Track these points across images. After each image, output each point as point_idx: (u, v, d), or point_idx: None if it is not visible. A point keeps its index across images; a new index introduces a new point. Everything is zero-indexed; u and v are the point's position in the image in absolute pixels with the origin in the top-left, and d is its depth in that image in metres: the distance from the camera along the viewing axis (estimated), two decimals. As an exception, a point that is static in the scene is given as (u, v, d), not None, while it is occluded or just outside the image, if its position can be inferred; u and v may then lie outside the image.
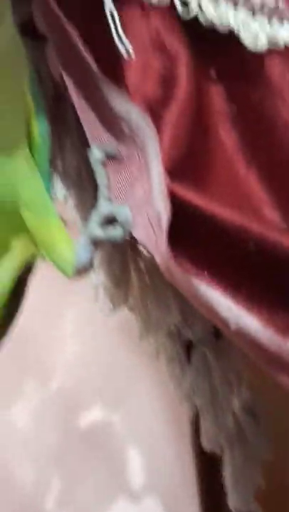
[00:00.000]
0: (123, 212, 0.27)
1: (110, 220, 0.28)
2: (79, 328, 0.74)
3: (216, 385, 0.52)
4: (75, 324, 0.74)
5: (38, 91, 0.29)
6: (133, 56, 0.28)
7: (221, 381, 0.52)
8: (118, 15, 0.29)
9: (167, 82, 0.29)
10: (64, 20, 0.29)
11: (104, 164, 0.28)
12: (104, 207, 0.28)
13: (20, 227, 0.29)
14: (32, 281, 0.34)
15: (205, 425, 0.52)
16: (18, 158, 0.28)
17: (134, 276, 0.49)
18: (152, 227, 0.25)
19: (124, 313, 0.72)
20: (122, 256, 0.48)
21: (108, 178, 0.28)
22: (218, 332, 0.53)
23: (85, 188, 0.45)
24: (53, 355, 0.74)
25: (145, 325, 0.50)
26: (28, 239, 0.29)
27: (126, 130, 0.27)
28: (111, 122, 0.28)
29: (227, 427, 0.51)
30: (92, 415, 0.74)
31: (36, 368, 0.78)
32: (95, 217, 0.28)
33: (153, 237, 0.25)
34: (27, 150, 0.28)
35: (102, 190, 0.28)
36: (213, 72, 0.31)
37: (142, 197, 0.26)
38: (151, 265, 0.51)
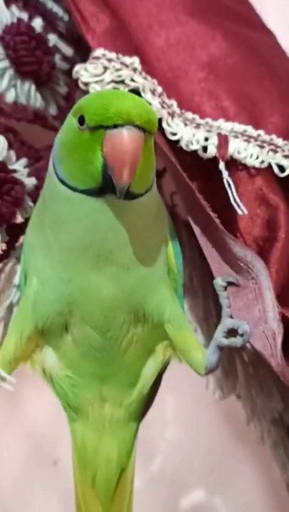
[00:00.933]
0: (243, 326, 0.36)
1: (232, 332, 0.37)
2: (178, 413, 0.75)
3: None
4: (174, 408, 0.75)
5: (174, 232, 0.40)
6: (246, 212, 0.38)
7: None
8: (231, 179, 0.39)
9: (271, 227, 0.38)
10: (190, 182, 0.40)
11: (225, 289, 0.38)
12: (227, 322, 0.37)
13: (163, 335, 0.38)
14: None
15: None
16: (164, 286, 0.38)
17: (239, 367, 0.57)
18: (267, 339, 0.34)
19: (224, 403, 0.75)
20: (228, 351, 0.56)
21: (229, 300, 0.38)
22: None
23: (197, 293, 0.54)
24: (154, 439, 0.73)
25: (251, 411, 0.57)
26: (167, 345, 0.39)
27: (243, 266, 0.36)
28: (230, 259, 0.38)
29: None
30: (194, 498, 0.74)
31: (138, 451, 0.82)
32: (221, 330, 0.37)
33: (268, 347, 0.33)
34: (168, 279, 0.38)
35: (225, 309, 0.38)
36: None
37: (258, 316, 0.35)
38: (254, 357, 0.58)
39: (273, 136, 0.41)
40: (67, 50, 0.49)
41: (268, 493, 0.74)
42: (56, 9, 0.50)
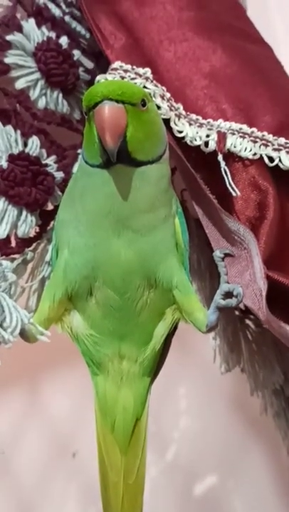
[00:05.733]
0: (237, 289, 0.43)
1: (229, 294, 0.44)
2: (191, 403, 0.78)
3: None
4: (187, 399, 0.78)
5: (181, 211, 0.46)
6: (239, 194, 0.45)
7: None
8: (228, 169, 0.47)
9: (261, 207, 0.46)
10: (193, 171, 0.47)
11: (223, 260, 0.45)
12: (224, 286, 0.44)
13: (171, 300, 0.45)
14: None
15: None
16: (173, 257, 0.44)
17: (244, 344, 0.63)
18: (256, 296, 0.41)
19: (235, 388, 0.80)
20: (233, 327, 0.62)
21: (226, 268, 0.45)
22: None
23: (204, 276, 0.60)
24: (168, 429, 0.76)
25: (255, 383, 0.63)
26: (175, 308, 0.46)
27: (237, 238, 0.44)
28: (226, 234, 0.45)
29: None
30: (207, 484, 0.76)
31: (153, 441, 0.84)
32: (219, 293, 0.44)
33: (257, 302, 0.40)
34: (176, 252, 0.45)
35: (223, 276, 0.45)
36: None
37: (249, 279, 0.42)
38: (257, 335, 0.64)
39: (265, 133, 0.48)
40: (89, 64, 0.56)
41: (279, 477, 0.77)
42: (79, 28, 0.57)
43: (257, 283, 0.41)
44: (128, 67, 0.50)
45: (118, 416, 0.47)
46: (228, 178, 0.45)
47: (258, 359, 0.63)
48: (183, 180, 0.48)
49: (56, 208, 0.51)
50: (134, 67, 0.50)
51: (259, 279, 0.40)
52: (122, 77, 0.49)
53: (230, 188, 0.45)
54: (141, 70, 0.50)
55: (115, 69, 0.50)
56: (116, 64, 0.50)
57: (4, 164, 0.48)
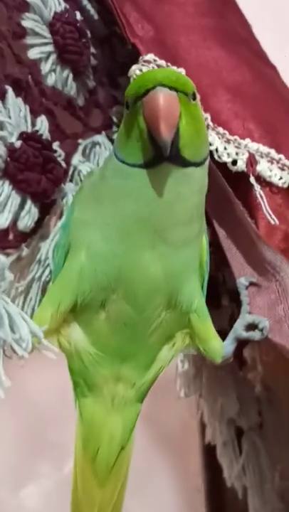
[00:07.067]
0: (264, 322, 0.40)
1: (251, 326, 0.41)
2: None
3: (262, 467, 0.61)
4: None
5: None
6: (277, 222, 0.42)
7: (267, 463, 0.61)
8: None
9: (288, 239, 0.44)
10: (230, 190, 0.43)
11: (247, 289, 0.42)
12: (248, 317, 0.41)
13: (184, 324, 0.42)
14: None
15: (253, 503, 0.61)
16: (196, 279, 0.41)
17: (204, 371, 0.61)
18: (290, 335, 0.38)
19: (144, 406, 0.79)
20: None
21: (248, 298, 0.42)
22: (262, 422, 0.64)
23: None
24: (68, 440, 0.80)
25: (211, 410, 0.61)
26: (186, 333, 0.42)
27: (269, 269, 0.41)
28: (255, 262, 0.42)
29: (272, 503, 0.61)
30: None
31: (52, 451, 0.78)
32: (241, 324, 0.41)
33: None
34: (198, 273, 0.42)
35: (245, 306, 0.42)
36: None
37: (282, 314, 0.40)
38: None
39: (293, 161, 0.47)
40: (93, 49, 0.51)
41: (179, 500, 0.78)
42: (89, 7, 0.52)
43: (294, 320, 0.38)
44: (162, 62, 0.46)
45: (103, 444, 0.43)
46: (264, 204, 0.42)
47: (215, 385, 0.61)
48: (209, 198, 0.45)
49: (53, 202, 0.45)
50: (169, 64, 0.46)
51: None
52: (157, 73, 0.45)
53: (267, 215, 0.42)
54: (175, 69, 0.46)
55: (148, 61, 0.45)
56: (149, 56, 0.46)
57: (17, 143, 0.41)
